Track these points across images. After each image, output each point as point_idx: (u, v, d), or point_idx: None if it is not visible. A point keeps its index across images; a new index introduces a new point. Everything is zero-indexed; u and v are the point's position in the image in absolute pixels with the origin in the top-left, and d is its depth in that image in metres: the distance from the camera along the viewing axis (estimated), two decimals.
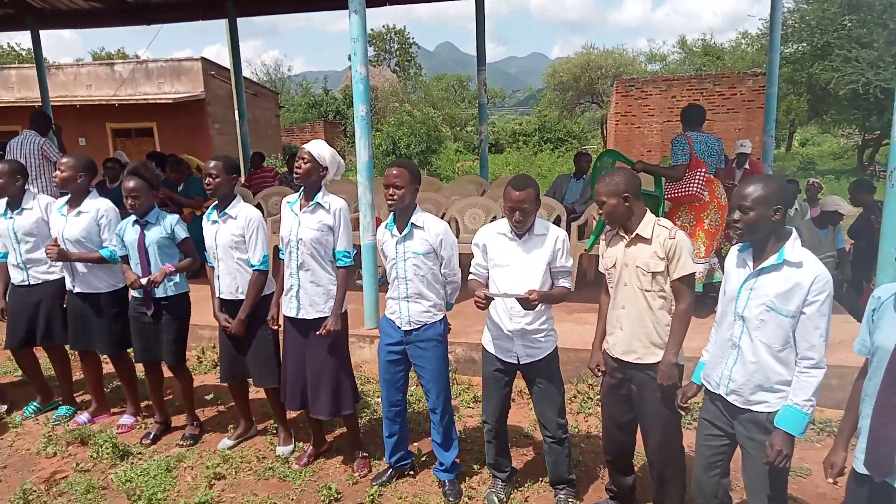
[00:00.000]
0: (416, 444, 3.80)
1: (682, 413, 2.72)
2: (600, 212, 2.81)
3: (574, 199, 7.36)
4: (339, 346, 3.47)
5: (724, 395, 2.46)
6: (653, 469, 2.93)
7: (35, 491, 3.44)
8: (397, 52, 52.92)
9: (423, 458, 3.66)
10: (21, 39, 40.65)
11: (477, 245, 3.13)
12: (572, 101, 33.85)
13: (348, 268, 3.41)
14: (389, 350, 3.28)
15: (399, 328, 3.24)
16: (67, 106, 16.70)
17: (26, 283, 4.11)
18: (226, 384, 3.86)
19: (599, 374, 2.97)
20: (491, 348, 3.14)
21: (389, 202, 3.10)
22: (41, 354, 4.44)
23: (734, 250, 2.50)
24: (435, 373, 3.25)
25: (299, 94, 37.25)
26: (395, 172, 3.08)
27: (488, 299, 2.92)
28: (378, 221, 5.72)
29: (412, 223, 3.14)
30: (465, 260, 3.45)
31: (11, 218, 4.05)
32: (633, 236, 2.76)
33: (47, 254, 3.84)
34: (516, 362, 3.06)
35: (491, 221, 6.76)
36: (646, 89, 20.78)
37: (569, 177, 7.70)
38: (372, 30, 51.51)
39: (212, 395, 4.65)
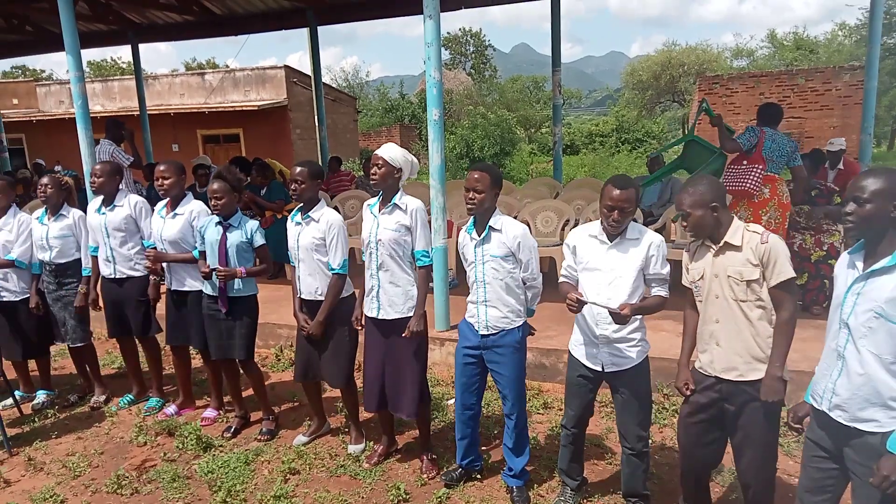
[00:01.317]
0: (484, 448, 3.80)
1: (796, 433, 2.50)
2: (684, 224, 2.66)
3: (651, 202, 7.16)
4: (420, 347, 3.51)
5: (827, 411, 2.24)
6: (746, 491, 2.77)
7: (127, 477, 3.67)
8: (472, 55, 53.03)
9: (491, 463, 3.65)
10: (121, 53, 43.61)
11: (568, 246, 3.08)
12: (652, 100, 32.89)
13: (428, 267, 3.45)
14: (467, 353, 3.29)
15: (477, 332, 3.24)
16: (163, 114, 17.78)
17: (113, 276, 4.40)
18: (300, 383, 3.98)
19: (688, 392, 2.80)
20: (576, 353, 3.08)
21: (469, 206, 3.10)
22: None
23: (844, 254, 2.31)
24: (511, 379, 3.22)
25: (376, 99, 37.98)
26: (476, 176, 3.08)
27: (581, 303, 2.84)
28: (450, 224, 5.76)
29: (490, 226, 3.13)
30: (540, 264, 3.41)
31: (104, 214, 4.35)
32: (721, 245, 2.61)
33: (146, 256, 4.11)
34: (601, 369, 2.98)
35: (563, 225, 6.68)
36: (731, 86, 19.86)
37: (646, 179, 7.47)
38: (448, 33, 51.90)
39: (289, 392, 4.81)
